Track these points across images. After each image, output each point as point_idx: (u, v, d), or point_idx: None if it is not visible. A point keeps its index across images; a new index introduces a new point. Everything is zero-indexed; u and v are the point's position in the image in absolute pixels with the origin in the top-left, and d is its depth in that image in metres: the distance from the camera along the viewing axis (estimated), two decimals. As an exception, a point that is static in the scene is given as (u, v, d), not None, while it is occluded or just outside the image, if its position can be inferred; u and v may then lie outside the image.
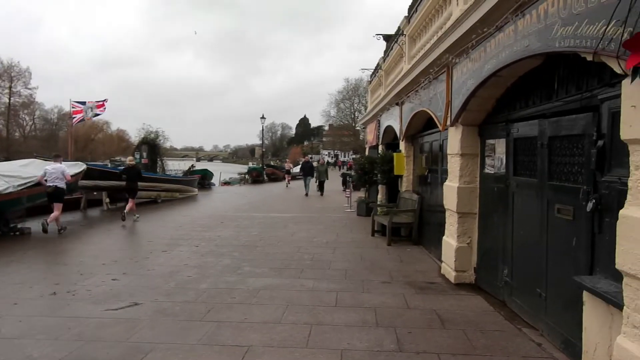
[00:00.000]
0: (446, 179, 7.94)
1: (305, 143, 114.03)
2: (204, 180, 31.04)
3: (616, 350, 3.17)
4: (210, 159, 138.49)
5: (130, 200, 14.43)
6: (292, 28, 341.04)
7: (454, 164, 7.22)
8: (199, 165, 42.68)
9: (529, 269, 5.35)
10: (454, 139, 7.16)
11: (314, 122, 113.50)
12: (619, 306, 3.39)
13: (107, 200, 17.73)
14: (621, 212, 3.14)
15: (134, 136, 39.87)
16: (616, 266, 3.18)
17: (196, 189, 26.30)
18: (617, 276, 3.68)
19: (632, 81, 2.90)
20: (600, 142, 3.96)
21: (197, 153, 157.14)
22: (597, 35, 3.29)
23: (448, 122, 7.34)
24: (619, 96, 3.71)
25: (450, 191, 7.27)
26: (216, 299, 6.27)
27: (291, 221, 14.36)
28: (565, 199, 4.55)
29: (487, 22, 5.25)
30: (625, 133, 3.10)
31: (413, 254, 9.49)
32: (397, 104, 12.13)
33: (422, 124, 10.57)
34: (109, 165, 29.41)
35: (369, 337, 4.92)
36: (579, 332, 4.19)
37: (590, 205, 4.03)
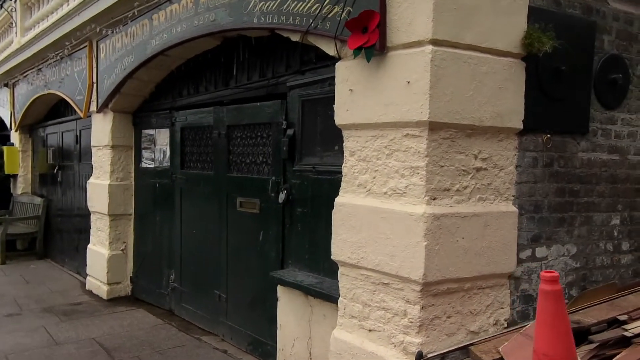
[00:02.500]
0: (87, 176, 6.67)
1: None
2: None
3: (333, 344, 3.05)
4: None
5: None
6: None
7: (102, 158, 6.06)
8: None
9: (204, 271, 4.90)
10: (102, 129, 6.01)
11: None
12: (325, 296, 3.31)
13: None
14: (337, 200, 3.03)
15: None
16: (333, 257, 3.06)
17: None
18: (313, 267, 3.65)
19: (355, 57, 2.79)
20: (290, 131, 3.85)
21: None
22: (309, 13, 3.09)
23: (93, 108, 6.12)
24: (310, 84, 3.68)
25: (99, 190, 6.08)
26: None
27: None
28: (250, 191, 4.29)
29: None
30: (340, 118, 2.99)
31: (40, 271, 7.65)
32: (5, 85, 9.65)
33: (46, 111, 8.69)
34: None
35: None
36: (270, 330, 4.01)
37: (282, 196, 3.88)
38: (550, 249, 3.06)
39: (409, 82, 2.59)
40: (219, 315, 4.68)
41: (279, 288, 3.85)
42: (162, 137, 5.54)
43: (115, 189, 5.92)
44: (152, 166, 5.72)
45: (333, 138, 3.53)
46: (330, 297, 3.24)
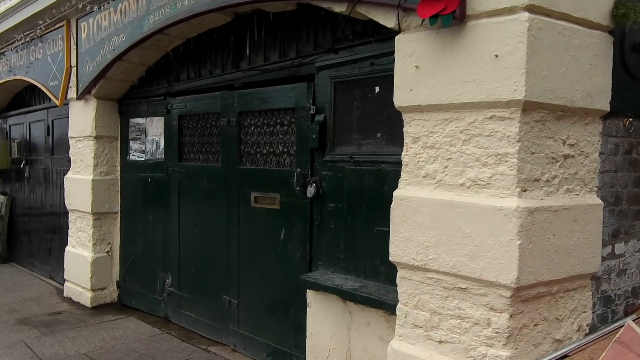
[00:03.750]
0: (62, 171, 6.03)
1: None
2: None
3: (392, 358, 2.67)
4: None
5: None
6: None
7: (83, 151, 5.45)
8: None
9: (209, 274, 4.42)
10: (83, 118, 5.40)
11: None
12: (374, 303, 2.94)
13: None
14: (396, 193, 2.64)
15: None
16: (391, 258, 2.67)
17: None
18: (350, 269, 3.27)
19: (430, 25, 2.40)
20: (319, 117, 3.44)
21: None
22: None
23: (71, 95, 5.49)
24: (345, 64, 3.29)
25: (79, 186, 5.46)
26: None
27: None
28: (267, 185, 3.85)
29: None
30: (401, 99, 2.60)
31: (6, 276, 6.91)
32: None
33: (9, 100, 7.89)
34: None
35: None
36: (296, 339, 3.61)
37: (311, 190, 3.46)
38: (628, 245, 2.79)
39: (497, 56, 2.23)
40: (228, 322, 4.22)
41: (309, 293, 3.44)
42: (155, 127, 5.00)
43: (99, 185, 5.33)
44: (143, 159, 5.16)
45: (374, 124, 3.17)
46: (383, 304, 2.86)
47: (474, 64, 2.31)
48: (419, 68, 2.52)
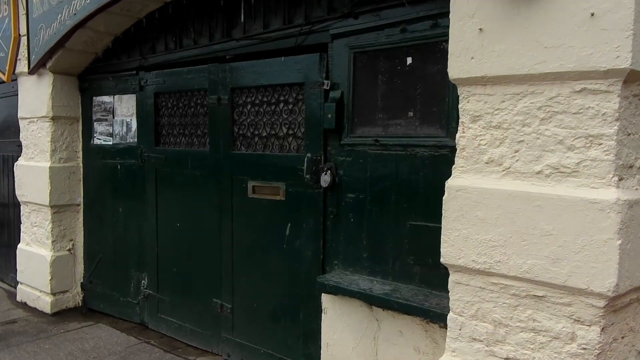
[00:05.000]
0: (9, 158, 5.27)
1: None
2: None
3: (444, 376, 2.27)
4: None
5: None
6: None
7: (37, 134, 4.71)
8: None
9: (195, 274, 3.88)
10: (37, 95, 4.65)
11: None
12: (415, 310, 2.52)
13: None
14: (450, 183, 2.21)
15: None
16: (443, 260, 2.25)
17: None
18: (376, 269, 2.85)
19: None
20: (335, 94, 2.95)
21: None
22: None
23: (21, 69, 4.72)
24: (368, 31, 2.82)
25: (33, 175, 4.73)
26: None
27: None
28: (269, 173, 3.34)
29: None
30: (459, 70, 2.15)
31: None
32: None
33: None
34: None
35: None
36: (307, 349, 3.16)
37: (326, 178, 2.98)
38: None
39: (593, 15, 1.82)
40: (220, 329, 3.71)
41: (326, 297, 2.99)
42: (125, 106, 4.35)
43: (57, 173, 4.62)
44: (110, 143, 4.50)
45: (405, 101, 2.73)
46: (427, 312, 2.45)
47: (560, 25, 1.89)
48: (484, 31, 2.08)
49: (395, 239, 2.75)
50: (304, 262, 3.17)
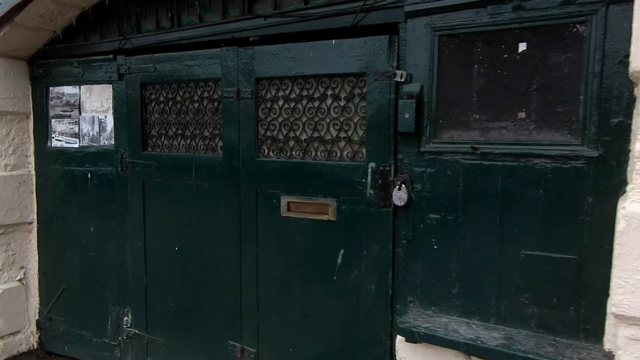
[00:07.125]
0: None
1: None
2: None
3: None
4: None
5: None
6: None
7: (-27, 133, 3.67)
8: None
9: (202, 310, 3.12)
10: (-29, 83, 3.61)
11: None
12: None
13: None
14: (630, 208, 1.67)
15: None
16: (614, 310, 1.71)
17: None
18: (471, 310, 2.30)
19: None
20: (412, 87, 2.33)
21: None
22: None
23: (-54, 49, 3.64)
24: (459, 8, 2.22)
25: (-31, 186, 3.69)
26: None
27: None
28: (312, 186, 2.65)
29: None
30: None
31: None
32: None
33: None
34: None
35: None
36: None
37: (401, 195, 2.36)
38: None
39: None
40: (238, 379, 2.99)
41: (403, 345, 2.37)
42: (97, 99, 3.45)
43: (2, 184, 3.63)
44: (76, 146, 3.58)
45: (514, 98, 2.17)
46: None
47: None
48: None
49: (501, 271, 2.19)
50: (364, 298, 2.54)
